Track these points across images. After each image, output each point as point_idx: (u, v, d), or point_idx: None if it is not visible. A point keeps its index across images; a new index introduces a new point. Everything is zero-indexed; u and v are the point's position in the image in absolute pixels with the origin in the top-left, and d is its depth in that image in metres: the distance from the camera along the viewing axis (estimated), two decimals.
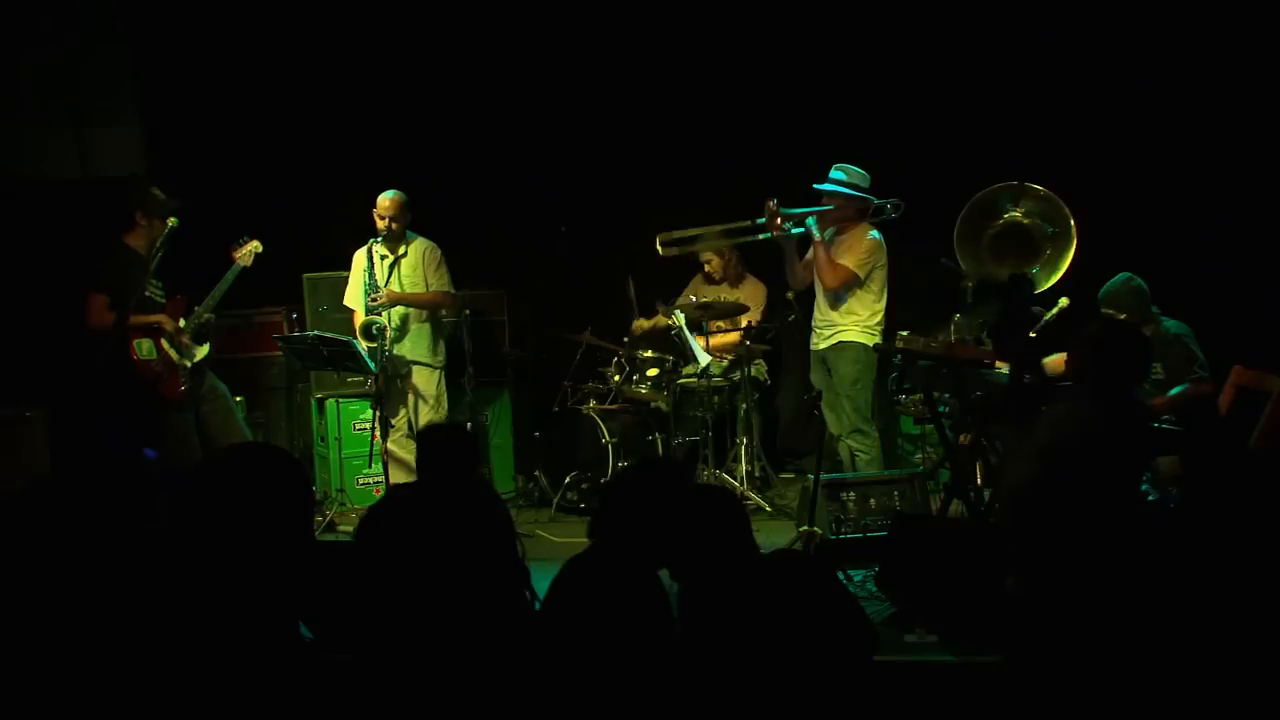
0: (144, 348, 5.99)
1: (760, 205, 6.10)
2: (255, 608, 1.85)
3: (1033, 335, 5.67)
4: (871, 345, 5.99)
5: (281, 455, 1.97)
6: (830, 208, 6.12)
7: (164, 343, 6.01)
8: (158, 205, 6.00)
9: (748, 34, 7.41)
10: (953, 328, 5.80)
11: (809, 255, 6.23)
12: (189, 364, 6.07)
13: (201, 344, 6.14)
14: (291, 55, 7.44)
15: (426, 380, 6.55)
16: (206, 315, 6.11)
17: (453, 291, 6.58)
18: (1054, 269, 5.97)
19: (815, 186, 6.17)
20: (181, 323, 6.06)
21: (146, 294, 6.01)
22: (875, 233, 6.11)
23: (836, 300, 6.09)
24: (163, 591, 1.99)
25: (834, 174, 6.18)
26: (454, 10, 7.58)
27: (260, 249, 6.25)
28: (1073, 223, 5.93)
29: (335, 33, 7.49)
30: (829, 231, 6.16)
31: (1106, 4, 6.92)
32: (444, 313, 6.75)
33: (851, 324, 6.05)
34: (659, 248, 6.48)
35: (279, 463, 1.94)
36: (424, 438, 4.01)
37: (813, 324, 6.28)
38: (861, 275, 6.03)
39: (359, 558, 3.09)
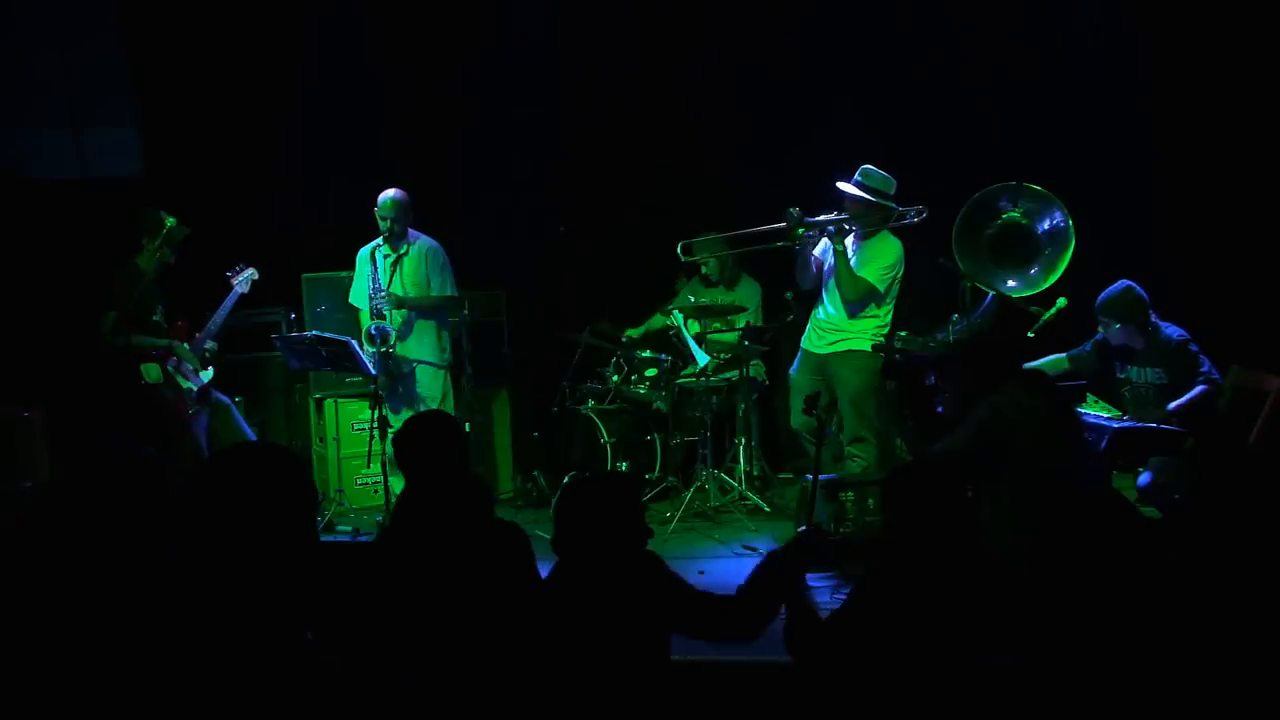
0: (152, 372, 6.05)
1: (780, 213, 5.98)
2: (260, 608, 1.84)
3: (1031, 335, 5.69)
4: (870, 346, 5.95)
5: (284, 454, 1.96)
6: (847, 218, 6.00)
7: (169, 368, 6.07)
8: (165, 232, 6.09)
9: (748, 32, 7.41)
10: (952, 328, 5.80)
11: (819, 251, 6.15)
12: (195, 388, 6.15)
13: (206, 369, 6.26)
14: (291, 54, 7.44)
15: (431, 380, 6.50)
16: (210, 344, 6.24)
17: (455, 295, 6.56)
18: (1052, 269, 6.00)
19: (838, 185, 6.04)
20: (185, 347, 6.13)
21: (155, 318, 6.10)
22: (897, 243, 5.99)
23: (851, 311, 5.99)
24: (167, 592, 1.99)
25: (858, 177, 6.02)
26: (452, 9, 7.58)
27: (257, 276, 6.35)
28: (1071, 222, 5.96)
29: (335, 31, 7.49)
30: (850, 240, 6.03)
31: (1105, 5, 6.94)
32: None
33: (860, 332, 5.97)
34: (679, 254, 6.48)
35: (282, 462, 1.92)
36: (404, 433, 3.62)
37: (813, 323, 6.19)
38: (881, 289, 5.94)
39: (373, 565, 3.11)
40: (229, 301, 6.27)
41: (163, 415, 6.04)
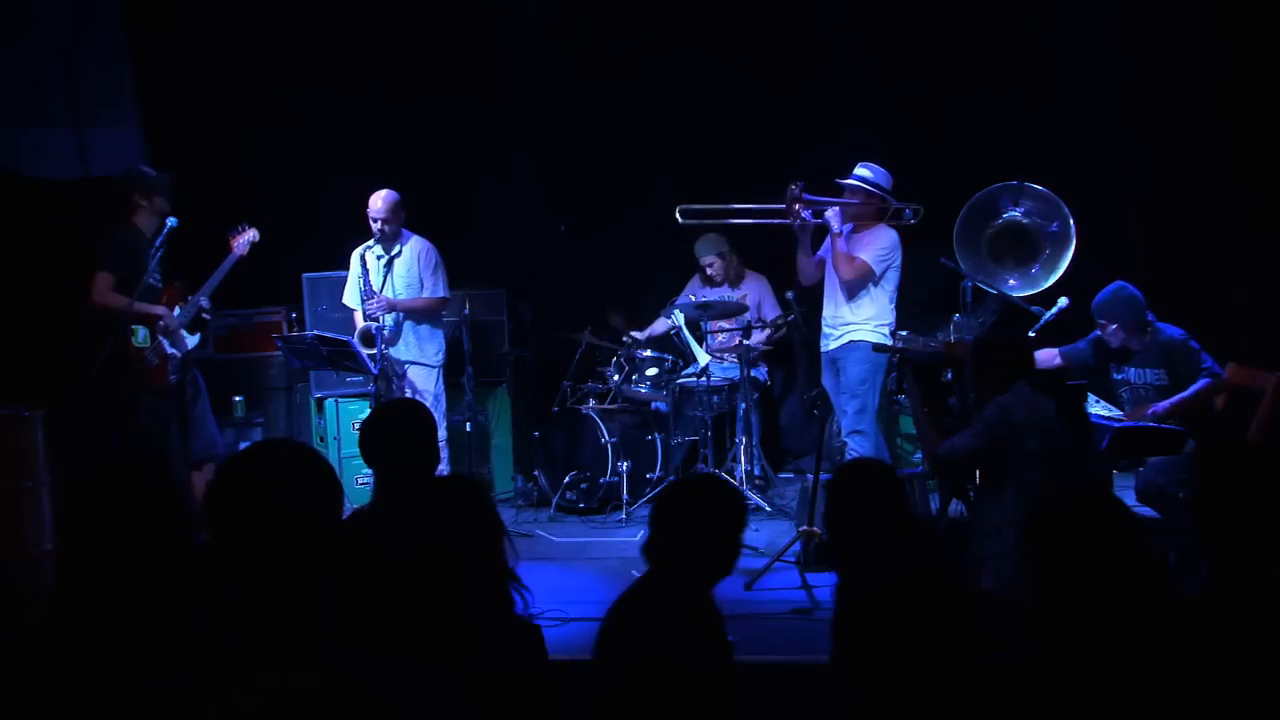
0: (139, 335, 6.01)
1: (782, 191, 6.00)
2: (287, 607, 1.82)
3: (1032, 335, 5.70)
4: (872, 340, 5.95)
5: (312, 453, 1.94)
6: (852, 202, 6.03)
7: (158, 334, 6.03)
8: (151, 182, 6.04)
9: (749, 30, 7.42)
10: (952, 328, 5.80)
11: (821, 251, 6.16)
12: (179, 354, 6.09)
13: (194, 333, 6.16)
14: (291, 55, 7.45)
15: (424, 379, 6.53)
16: (201, 302, 6.12)
17: (447, 296, 6.57)
18: (1053, 269, 6.02)
19: (838, 181, 6.07)
20: (176, 311, 6.08)
21: (150, 281, 6.03)
22: (893, 232, 6.02)
23: (850, 297, 5.98)
24: (193, 591, 1.99)
25: (858, 171, 6.07)
26: (451, 8, 7.59)
27: (258, 239, 6.27)
28: (1072, 222, 5.97)
29: (335, 31, 7.49)
30: (847, 227, 6.06)
31: (1105, 5, 6.95)
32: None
33: (863, 322, 5.97)
34: (678, 216, 6.45)
35: (310, 460, 1.90)
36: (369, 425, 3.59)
37: (822, 324, 6.18)
38: (877, 271, 5.93)
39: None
40: (228, 263, 6.18)
41: (140, 379, 5.98)
